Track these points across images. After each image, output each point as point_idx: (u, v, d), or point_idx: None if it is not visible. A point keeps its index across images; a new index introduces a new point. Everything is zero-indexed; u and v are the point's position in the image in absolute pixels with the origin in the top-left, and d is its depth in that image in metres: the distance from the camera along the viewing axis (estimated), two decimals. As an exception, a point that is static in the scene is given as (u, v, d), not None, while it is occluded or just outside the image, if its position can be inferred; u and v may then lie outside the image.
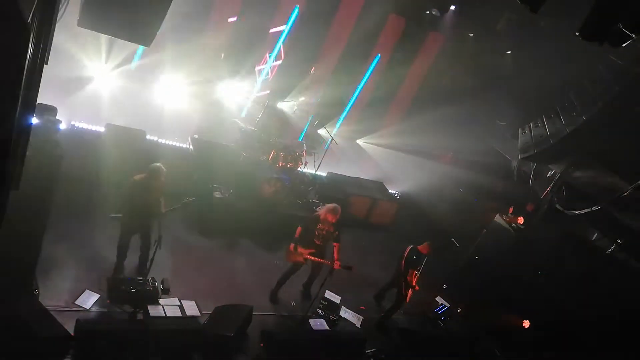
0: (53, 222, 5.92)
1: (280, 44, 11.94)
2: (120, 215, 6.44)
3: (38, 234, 5.59)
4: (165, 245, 6.22)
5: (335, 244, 7.47)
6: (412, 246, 8.04)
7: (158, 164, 6.50)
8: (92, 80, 10.15)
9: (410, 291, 7.91)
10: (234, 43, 11.38)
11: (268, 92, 12.40)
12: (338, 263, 7.23)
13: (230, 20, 11.15)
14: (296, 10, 11.70)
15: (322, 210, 7.49)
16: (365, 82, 13.80)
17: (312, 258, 7.43)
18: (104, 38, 9.69)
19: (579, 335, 8.46)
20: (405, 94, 14.52)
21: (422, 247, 7.97)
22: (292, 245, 7.35)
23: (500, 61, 12.58)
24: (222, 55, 11.49)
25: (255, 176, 9.61)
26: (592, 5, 4.25)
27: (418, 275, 7.93)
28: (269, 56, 12.06)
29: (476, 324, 9.24)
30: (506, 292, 9.52)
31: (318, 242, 7.44)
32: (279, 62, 12.15)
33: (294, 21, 11.81)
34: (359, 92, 13.91)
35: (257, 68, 12.17)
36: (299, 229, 7.42)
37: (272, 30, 11.91)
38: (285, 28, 11.86)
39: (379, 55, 13.42)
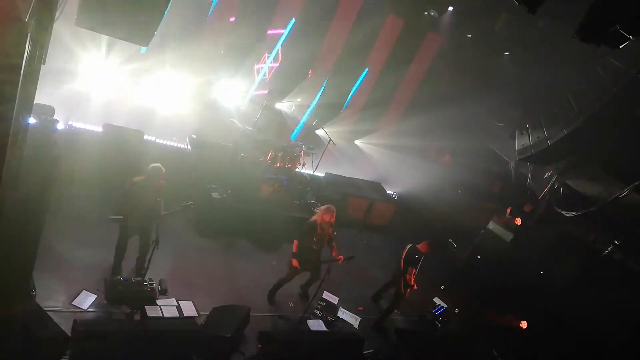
0: (50, 223, 5.91)
1: (278, 46, 11.92)
2: (120, 217, 6.42)
3: (35, 234, 5.56)
4: (162, 245, 6.19)
5: (331, 242, 7.51)
6: (411, 245, 8.08)
7: (157, 165, 6.48)
8: (90, 80, 10.13)
9: (408, 290, 7.94)
10: (233, 42, 11.37)
11: (267, 91, 12.40)
12: (341, 258, 7.30)
13: (229, 20, 11.14)
14: (292, 22, 11.74)
15: (317, 215, 7.46)
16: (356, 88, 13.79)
17: (319, 263, 7.45)
18: (102, 37, 9.67)
19: (576, 335, 8.48)
20: (403, 94, 14.53)
21: (421, 246, 8.03)
22: (294, 262, 7.32)
23: (498, 62, 12.60)
24: (222, 50, 11.45)
25: (253, 177, 9.60)
26: (590, 7, 4.26)
27: (416, 273, 7.96)
28: (268, 56, 12.05)
29: (474, 324, 9.25)
30: (503, 293, 9.53)
31: (315, 247, 7.44)
32: (277, 64, 12.15)
33: (291, 29, 11.83)
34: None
35: (256, 67, 12.16)
36: (295, 242, 7.37)
37: (270, 32, 11.91)
38: (283, 32, 11.85)
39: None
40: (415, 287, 7.98)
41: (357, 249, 10.21)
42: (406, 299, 8.08)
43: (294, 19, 11.74)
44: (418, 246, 8.03)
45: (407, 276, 7.90)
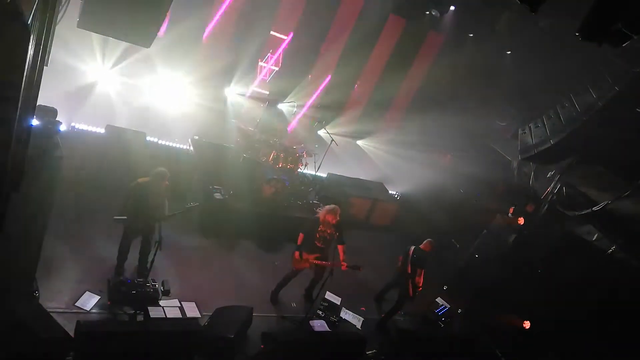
0: (53, 224, 5.92)
1: (280, 51, 11.94)
2: (124, 217, 6.44)
3: (38, 235, 5.58)
4: (165, 246, 6.21)
5: (339, 245, 7.46)
6: (414, 246, 8.08)
7: (163, 169, 6.52)
8: (92, 82, 10.17)
9: (417, 292, 7.95)
10: (235, 42, 11.38)
11: (267, 92, 12.40)
12: (344, 264, 7.26)
13: (231, 18, 11.17)
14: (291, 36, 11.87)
15: (321, 212, 7.48)
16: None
17: (318, 262, 7.43)
18: (104, 38, 9.70)
19: (579, 335, 8.45)
20: (404, 94, 14.52)
21: (424, 246, 8.05)
22: (297, 253, 7.34)
23: (500, 61, 12.57)
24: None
25: (256, 177, 9.61)
26: (592, 5, 4.24)
27: (424, 274, 7.96)
28: (265, 60, 12.06)
29: (476, 324, 9.23)
30: (506, 293, 9.50)
31: (320, 245, 7.42)
32: (277, 68, 12.18)
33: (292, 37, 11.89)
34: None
35: (260, 63, 12.16)
36: (300, 235, 7.39)
37: (272, 33, 11.91)
38: (285, 40, 11.90)
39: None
40: (420, 288, 7.98)
41: (359, 248, 10.21)
42: (412, 300, 8.08)
43: (292, 34, 11.84)
44: (421, 246, 8.04)
45: (417, 278, 7.90)
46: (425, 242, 8.07)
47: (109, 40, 9.27)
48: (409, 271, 7.94)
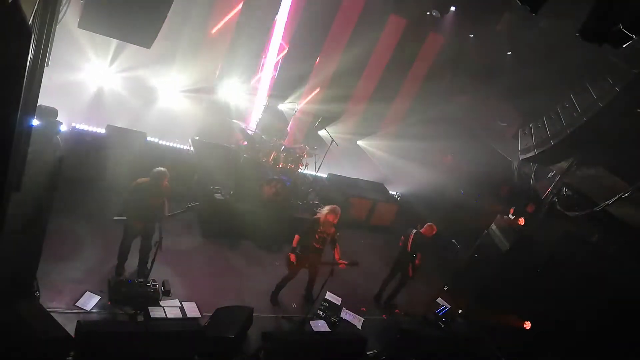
0: (53, 224, 5.92)
1: (281, 26, 11.66)
2: (124, 217, 6.44)
3: (39, 235, 5.58)
4: (165, 246, 6.22)
5: (333, 246, 7.48)
6: (415, 230, 8.19)
7: (162, 169, 6.53)
8: (92, 82, 10.16)
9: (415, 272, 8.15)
10: (235, 43, 11.37)
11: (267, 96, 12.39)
12: (343, 262, 7.27)
13: (230, 19, 11.15)
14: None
15: (321, 213, 7.47)
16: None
17: (316, 263, 7.42)
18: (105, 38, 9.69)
19: (579, 335, 8.45)
20: (405, 94, 14.52)
21: (425, 230, 8.18)
22: (292, 256, 7.33)
23: (501, 62, 12.57)
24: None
25: (256, 177, 9.61)
26: (593, 6, 4.24)
27: (421, 258, 8.17)
28: (265, 60, 12.00)
29: (477, 325, 9.23)
30: (507, 294, 9.50)
31: (317, 246, 7.41)
32: (283, 53, 12.03)
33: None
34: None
35: (252, 82, 12.10)
36: (296, 237, 7.38)
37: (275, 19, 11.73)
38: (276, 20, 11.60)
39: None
40: (418, 262, 8.17)
41: (359, 249, 10.22)
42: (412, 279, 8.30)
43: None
44: (422, 230, 8.20)
45: (416, 261, 8.06)
46: (426, 225, 8.17)
47: (101, 39, 9.21)
48: (410, 254, 8.09)
